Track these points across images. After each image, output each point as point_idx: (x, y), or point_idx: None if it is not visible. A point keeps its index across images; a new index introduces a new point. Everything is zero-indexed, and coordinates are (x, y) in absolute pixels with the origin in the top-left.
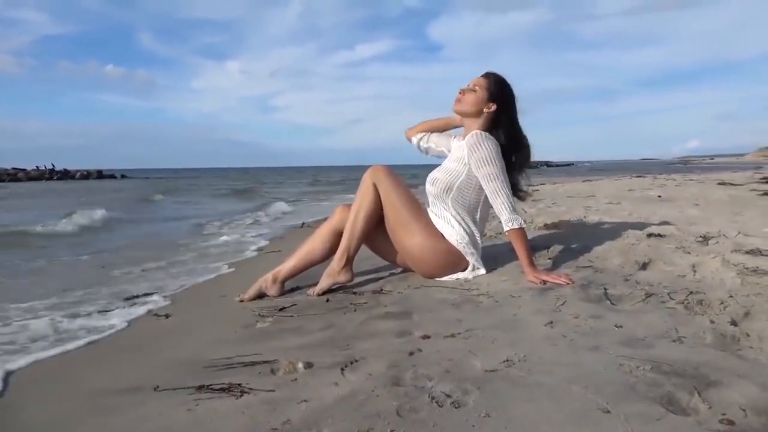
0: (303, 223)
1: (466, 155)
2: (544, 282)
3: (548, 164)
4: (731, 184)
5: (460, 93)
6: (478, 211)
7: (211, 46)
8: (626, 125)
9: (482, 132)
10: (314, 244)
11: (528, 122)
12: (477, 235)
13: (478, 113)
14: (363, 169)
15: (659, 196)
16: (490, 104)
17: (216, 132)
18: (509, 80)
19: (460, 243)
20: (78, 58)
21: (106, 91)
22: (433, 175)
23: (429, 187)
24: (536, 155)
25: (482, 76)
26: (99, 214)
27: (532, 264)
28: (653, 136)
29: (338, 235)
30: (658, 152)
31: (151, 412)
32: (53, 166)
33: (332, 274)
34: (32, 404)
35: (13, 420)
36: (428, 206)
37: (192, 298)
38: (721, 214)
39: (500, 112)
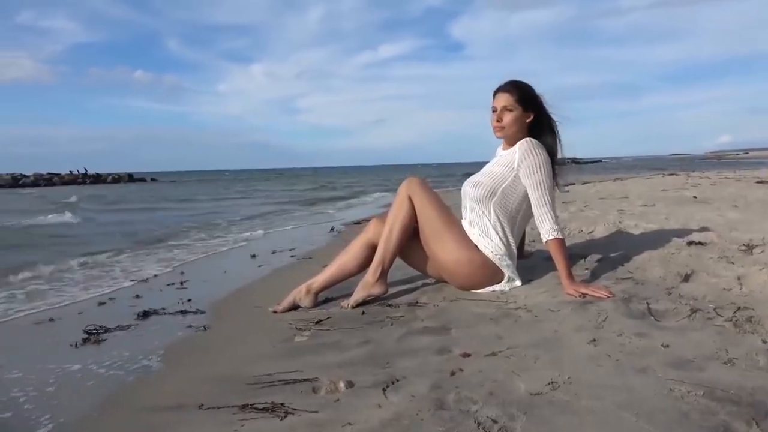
0: (332, 228)
1: (516, 160)
2: (584, 295)
3: (575, 161)
4: None
5: (496, 120)
6: (518, 220)
7: (236, 51)
8: (653, 121)
9: (533, 140)
10: (348, 256)
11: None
12: (513, 245)
13: (522, 129)
14: (396, 169)
15: (695, 197)
16: (529, 114)
17: (241, 135)
18: (522, 78)
19: (496, 255)
20: (108, 64)
21: (135, 96)
22: (475, 179)
23: (470, 191)
24: (564, 152)
25: (504, 91)
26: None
27: (570, 276)
28: (682, 131)
29: (372, 248)
30: (689, 148)
31: None
32: (86, 170)
33: (366, 286)
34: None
35: None
36: (464, 214)
37: (228, 309)
38: (763, 217)
39: (539, 116)
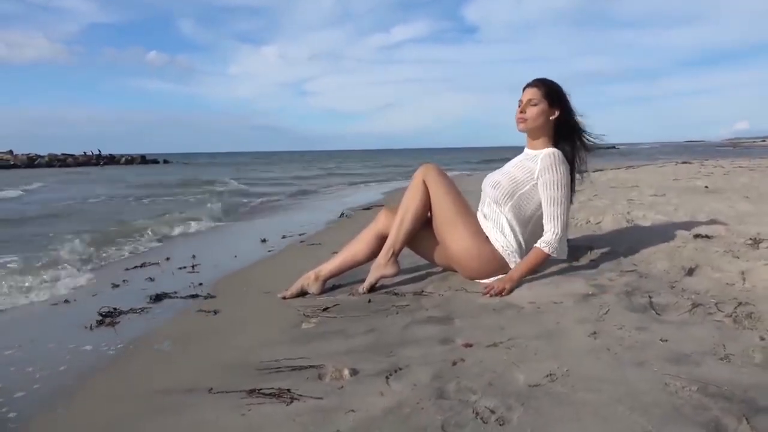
0: (342, 213)
1: (537, 171)
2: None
3: (613, 146)
4: None
5: (519, 112)
6: (530, 225)
7: (248, 32)
8: (670, 107)
9: (558, 153)
10: (358, 246)
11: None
12: (524, 246)
13: (545, 123)
14: (409, 154)
15: (706, 187)
16: (554, 110)
17: (252, 117)
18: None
19: (506, 251)
20: (122, 44)
21: (149, 77)
22: (495, 178)
23: (489, 189)
24: (595, 141)
25: (531, 86)
26: None
27: (517, 280)
28: (698, 117)
29: (381, 239)
30: (704, 134)
31: (207, 415)
32: (99, 151)
33: (378, 267)
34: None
35: (75, 419)
36: (481, 206)
37: (238, 294)
38: None
39: (563, 114)
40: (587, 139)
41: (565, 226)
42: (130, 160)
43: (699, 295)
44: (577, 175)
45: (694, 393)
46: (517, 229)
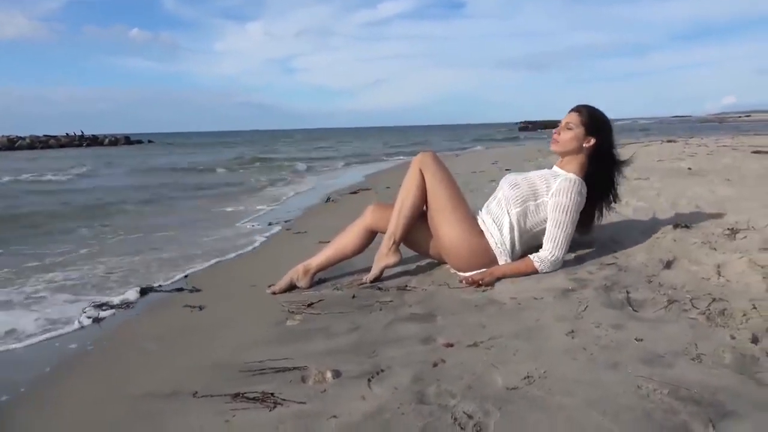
0: (328, 198)
1: (553, 189)
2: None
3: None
4: (767, 153)
5: (555, 133)
6: (528, 236)
7: (233, 8)
8: (659, 81)
9: (579, 181)
10: (346, 240)
11: (553, 80)
12: (516, 251)
13: (577, 150)
14: (400, 131)
15: (689, 168)
16: (589, 138)
17: (238, 95)
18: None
19: (498, 248)
20: (104, 22)
21: (131, 56)
22: (515, 179)
23: (506, 187)
24: (562, 115)
25: (573, 111)
26: None
27: (498, 277)
28: (687, 92)
29: (369, 233)
30: (692, 109)
31: (191, 422)
32: (82, 132)
33: (381, 257)
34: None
35: (47, 420)
36: (491, 200)
37: (224, 287)
38: (753, 194)
39: (600, 145)
40: (618, 174)
41: (564, 251)
42: (114, 141)
43: (675, 290)
44: (597, 212)
45: (665, 396)
46: (516, 233)
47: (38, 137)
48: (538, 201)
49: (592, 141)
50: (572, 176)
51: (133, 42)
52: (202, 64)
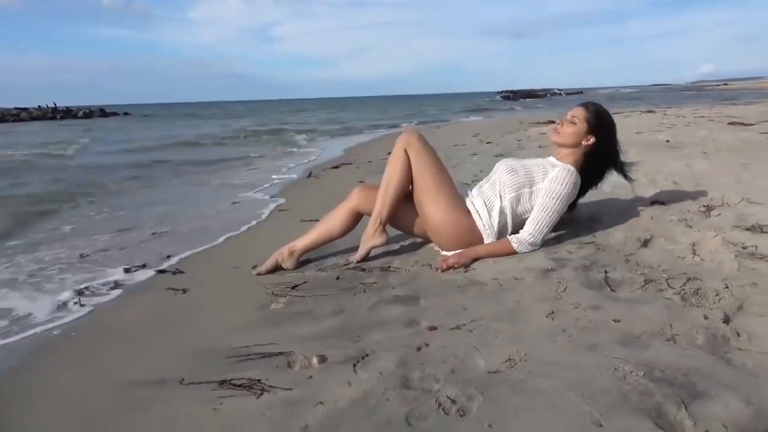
0: (310, 173)
1: (548, 176)
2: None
3: (553, 93)
4: (742, 124)
5: (558, 124)
6: (516, 222)
7: None
8: (638, 49)
9: (575, 173)
10: (332, 222)
11: (534, 49)
12: (505, 231)
13: (576, 145)
14: (386, 101)
15: (667, 141)
16: (589, 137)
17: (215, 65)
18: (608, 110)
19: (486, 229)
20: None
21: (103, 24)
22: (513, 165)
23: (502, 171)
24: (543, 84)
25: (580, 106)
26: None
27: (473, 257)
28: (666, 60)
29: (355, 215)
30: (671, 77)
31: (179, 410)
32: (55, 105)
33: (368, 238)
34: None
35: (31, 411)
36: (483, 182)
37: (206, 268)
38: (727, 168)
39: (599, 144)
40: (622, 171)
41: (543, 236)
42: (89, 114)
43: (652, 269)
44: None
45: (641, 378)
46: (506, 217)
47: (9, 110)
48: (533, 188)
49: (592, 140)
50: (570, 167)
51: (106, 10)
52: (177, 32)
